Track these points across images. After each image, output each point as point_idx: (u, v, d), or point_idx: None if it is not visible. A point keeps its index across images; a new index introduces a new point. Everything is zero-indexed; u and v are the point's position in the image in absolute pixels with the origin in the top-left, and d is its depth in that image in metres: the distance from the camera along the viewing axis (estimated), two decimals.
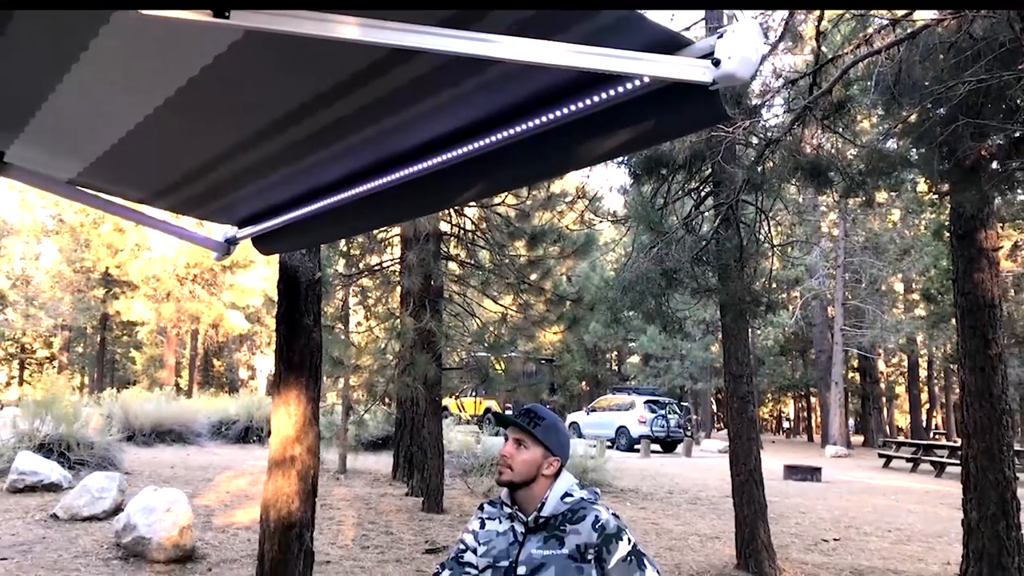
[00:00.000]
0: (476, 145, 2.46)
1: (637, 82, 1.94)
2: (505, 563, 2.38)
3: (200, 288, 35.48)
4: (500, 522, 2.47)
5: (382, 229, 9.30)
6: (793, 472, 15.97)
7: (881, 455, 22.33)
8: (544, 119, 2.23)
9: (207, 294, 35.74)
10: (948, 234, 7.04)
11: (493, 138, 2.42)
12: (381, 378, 9.02)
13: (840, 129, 5.37)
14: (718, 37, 1.69)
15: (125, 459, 11.05)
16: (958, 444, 17.91)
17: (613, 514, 2.34)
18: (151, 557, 6.02)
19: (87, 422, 11.65)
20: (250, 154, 2.81)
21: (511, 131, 2.32)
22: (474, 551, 2.47)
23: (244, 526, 7.68)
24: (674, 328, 6.88)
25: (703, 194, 6.58)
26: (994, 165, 5.90)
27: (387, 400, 11.57)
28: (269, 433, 16.28)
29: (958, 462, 10.75)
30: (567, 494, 2.35)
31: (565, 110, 2.16)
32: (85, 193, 3.50)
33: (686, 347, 31.51)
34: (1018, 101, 4.16)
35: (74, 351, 45.28)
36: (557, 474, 2.42)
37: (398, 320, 8.17)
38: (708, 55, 1.69)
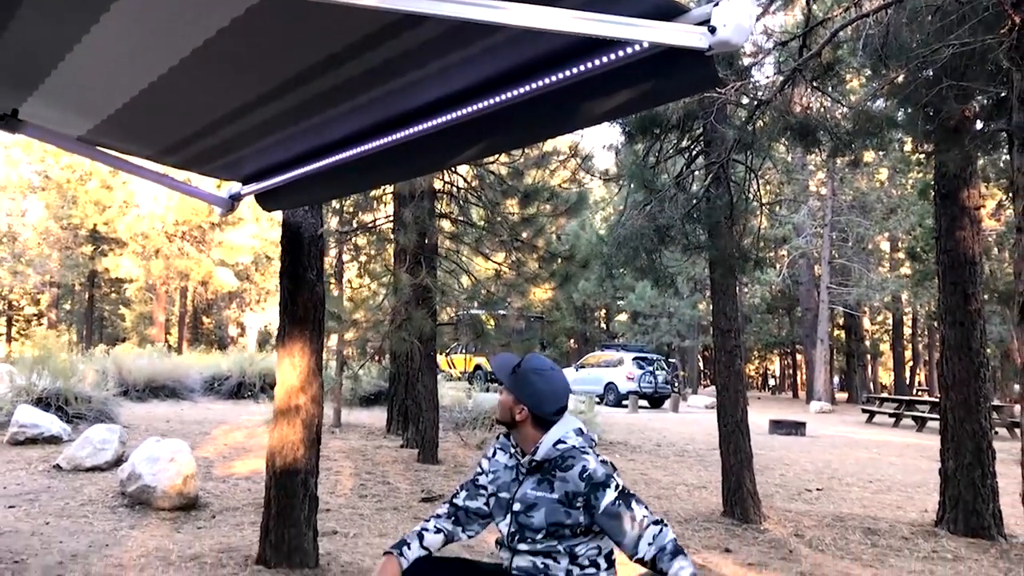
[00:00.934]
0: (481, 105, 2.56)
1: (636, 47, 2.04)
2: (506, 495, 2.58)
3: (189, 245, 35.37)
4: (510, 456, 2.65)
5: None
6: (778, 427, 16.31)
7: (864, 410, 22.79)
8: (546, 81, 2.33)
9: (196, 251, 35.65)
10: (932, 193, 7.20)
11: (497, 99, 2.52)
12: (375, 333, 9.17)
13: (829, 90, 5.48)
14: (714, 5, 1.78)
15: (122, 413, 11.19)
16: (939, 399, 18.28)
17: (602, 461, 2.50)
18: (156, 505, 6.20)
19: (83, 377, 11.80)
20: (258, 113, 2.90)
21: (514, 92, 2.43)
22: (486, 474, 2.67)
23: (244, 476, 7.88)
24: (666, 283, 7.04)
25: (694, 153, 6.71)
26: (977, 125, 6.05)
27: (380, 356, 11.74)
28: (263, 389, 16.38)
29: (939, 416, 11.05)
30: (560, 441, 2.51)
31: (566, 73, 2.26)
32: (95, 149, 3.59)
33: (674, 305, 31.82)
34: (1000, 64, 4.28)
35: (62, 308, 45.18)
36: (538, 420, 2.57)
37: (394, 276, 8.29)
38: (704, 22, 1.79)
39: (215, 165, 3.65)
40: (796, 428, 16.24)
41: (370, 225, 10.18)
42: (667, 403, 23.68)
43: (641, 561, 2.36)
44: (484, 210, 9.12)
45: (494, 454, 2.72)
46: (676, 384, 26.04)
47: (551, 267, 9.03)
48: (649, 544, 2.31)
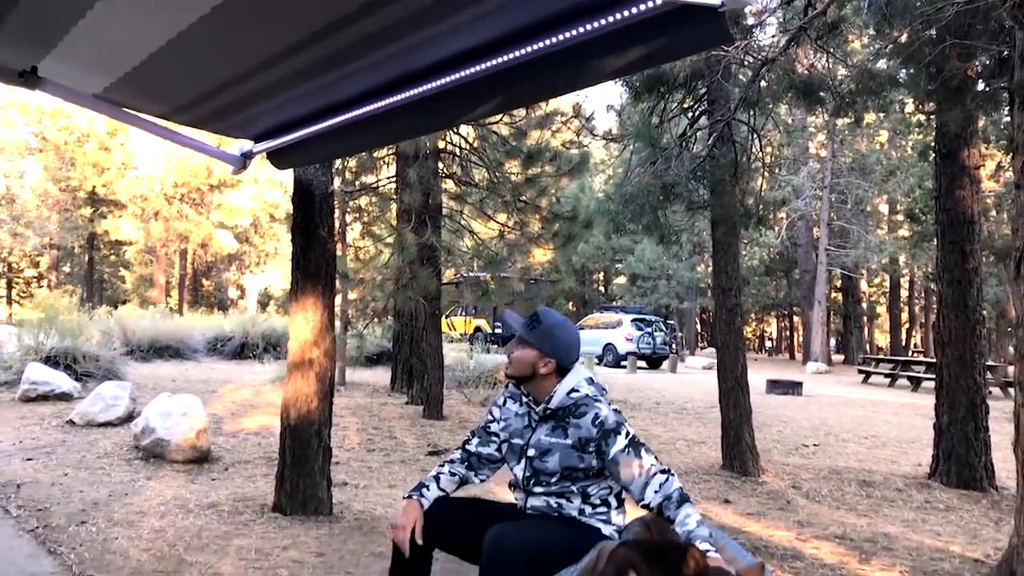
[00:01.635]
0: (495, 62, 2.62)
1: (649, 3, 2.12)
2: (519, 442, 2.71)
3: (188, 208, 35.32)
4: (520, 404, 2.79)
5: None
6: (775, 386, 16.52)
7: (861, 371, 23.03)
8: (561, 38, 2.40)
9: (195, 213, 35.61)
10: (933, 153, 7.27)
11: (512, 55, 2.58)
12: (381, 293, 9.28)
13: (832, 49, 5.52)
14: None
15: (128, 372, 11.34)
16: (935, 360, 18.48)
17: (614, 410, 2.64)
18: (170, 458, 6.36)
19: (89, 337, 11.93)
20: (273, 71, 2.95)
21: (529, 48, 2.50)
22: (498, 422, 2.80)
23: (253, 432, 8.04)
24: (670, 239, 7.13)
25: (698, 112, 6.75)
26: (979, 85, 6.10)
27: (383, 316, 11.85)
28: (266, 349, 16.49)
29: (934, 376, 11.22)
30: (574, 390, 2.66)
31: (581, 29, 2.33)
32: (109, 106, 3.65)
33: (673, 267, 31.93)
34: (1003, 23, 4.33)
35: (62, 271, 45.25)
36: (563, 372, 2.71)
37: (399, 236, 8.37)
38: None
39: (227, 123, 3.69)
40: (793, 388, 16.45)
41: (373, 186, 10.23)
42: (665, 364, 23.91)
43: (647, 507, 2.49)
44: (487, 171, 9.16)
45: (504, 403, 2.85)
46: (674, 345, 26.25)
47: (553, 228, 9.12)
48: (655, 492, 2.44)
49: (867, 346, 44.31)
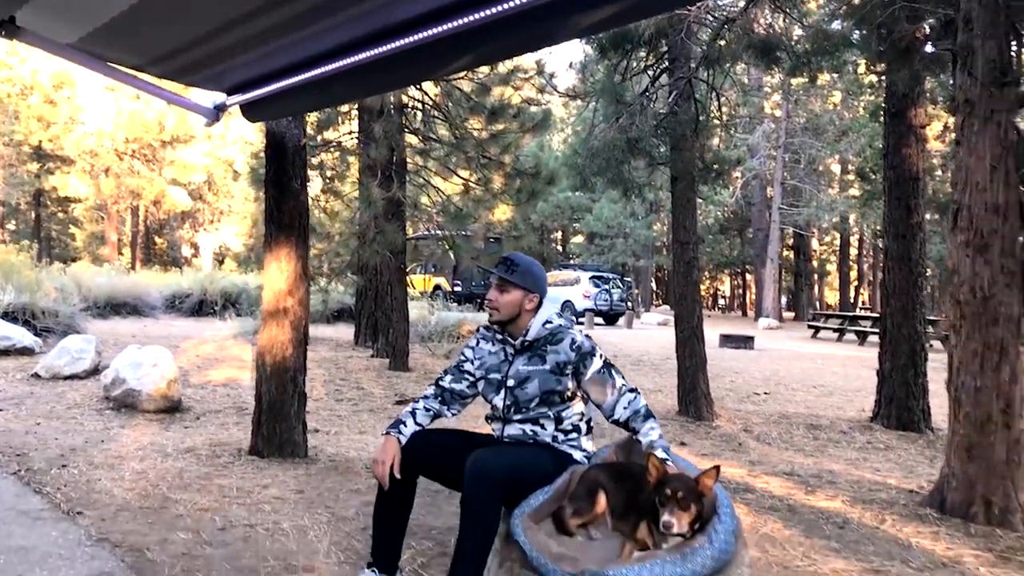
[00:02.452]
0: (471, 18, 2.75)
1: None
2: (497, 376, 2.93)
3: (140, 164, 34.54)
4: (493, 344, 3.00)
5: None
6: (728, 340, 17.00)
7: (810, 326, 23.73)
8: None
9: (148, 170, 34.85)
10: (883, 113, 7.56)
11: (487, 12, 2.71)
12: (344, 248, 9.36)
13: (789, 10, 5.72)
14: None
15: (88, 328, 11.30)
16: (880, 307, 19.08)
17: (586, 336, 2.89)
18: (141, 407, 6.46)
19: (47, 293, 11.81)
20: (251, 25, 3.01)
21: (503, 6, 2.63)
22: (471, 361, 3.01)
23: (220, 384, 8.15)
24: (634, 192, 7.35)
25: (660, 70, 6.93)
26: (928, 47, 6.37)
27: (344, 272, 11.93)
28: (224, 307, 16.42)
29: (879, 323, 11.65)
30: (548, 321, 2.90)
31: None
32: (84, 56, 3.69)
33: (630, 225, 32.29)
34: None
35: (7, 228, 44.00)
36: (538, 306, 2.93)
37: (366, 191, 8.43)
38: None
39: (201, 75, 3.73)
40: (745, 342, 16.96)
41: (336, 141, 10.24)
42: (622, 320, 24.35)
43: (616, 422, 2.79)
44: (451, 127, 9.24)
45: (477, 343, 3.06)
46: (630, 302, 26.70)
47: (516, 184, 9.26)
48: (625, 408, 2.78)
49: (817, 303, 45.43)
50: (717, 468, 2.48)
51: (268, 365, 4.94)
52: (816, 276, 44.19)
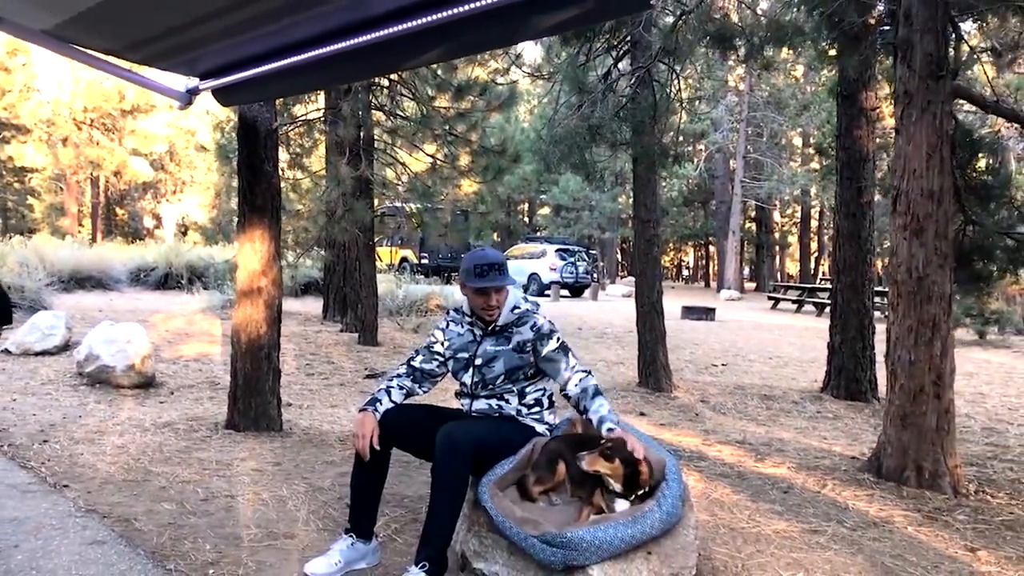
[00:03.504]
0: (442, 15, 2.91)
1: None
2: (465, 355, 3.16)
3: (100, 134, 33.98)
4: (462, 327, 3.23)
5: None
6: (690, 312, 17.40)
7: (770, 298, 24.30)
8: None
9: (108, 140, 34.29)
10: (836, 95, 7.85)
11: (457, 9, 2.87)
12: (313, 225, 9.48)
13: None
14: None
15: (55, 303, 11.30)
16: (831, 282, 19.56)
17: (548, 321, 3.15)
18: (115, 383, 6.58)
19: (11, 268, 11.76)
20: (225, 17, 3.15)
21: (473, 5, 2.79)
22: (441, 343, 3.23)
23: (192, 359, 8.29)
24: (595, 177, 7.58)
25: (621, 53, 7.12)
26: (878, 32, 6.63)
27: (312, 247, 12.04)
28: (190, 280, 16.34)
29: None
30: (515, 307, 3.14)
31: None
32: (57, 42, 3.77)
33: (596, 198, 32.55)
34: None
35: None
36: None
37: (335, 168, 8.54)
38: None
39: (174, 61, 3.83)
40: (706, 313, 17.36)
41: (303, 118, 10.30)
42: (587, 292, 24.70)
43: (567, 398, 3.06)
44: (418, 104, 9.35)
45: (447, 326, 3.28)
46: (595, 274, 27.04)
47: (483, 161, 9.42)
48: (576, 385, 3.02)
49: (778, 274, 46.28)
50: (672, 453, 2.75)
51: (243, 343, 5.11)
52: (777, 248, 44.97)
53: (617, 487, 2.72)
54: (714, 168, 33.93)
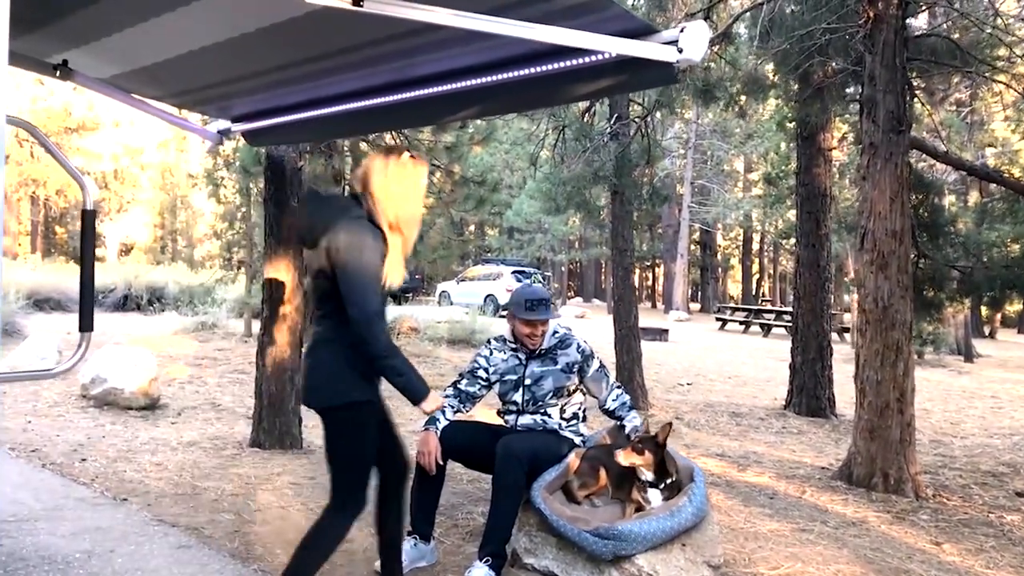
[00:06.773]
0: (477, 81, 3.21)
1: (605, 55, 2.76)
2: (513, 377, 3.62)
3: (43, 151, 33.30)
4: (505, 353, 3.68)
5: None
6: (644, 332, 17.69)
7: (718, 319, 25.20)
8: (539, 69, 2.97)
9: (51, 158, 33.58)
10: (796, 136, 8.55)
11: (493, 77, 3.14)
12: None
13: (724, 57, 6.59)
14: (680, 31, 2.57)
15: (25, 326, 11.33)
16: (783, 309, 20.47)
17: (586, 341, 3.63)
18: (123, 405, 6.81)
19: None
20: (268, 76, 3.45)
21: (509, 74, 3.09)
22: (485, 369, 3.67)
23: (186, 381, 8.51)
24: (595, 214, 8.14)
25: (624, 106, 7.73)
26: (835, 83, 7.33)
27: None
28: (150, 302, 16.24)
29: (783, 324, 12.57)
30: (555, 332, 3.60)
31: (560, 64, 2.99)
32: (112, 88, 4.08)
33: (548, 221, 33.17)
34: (857, 47, 5.46)
35: None
36: None
37: None
38: (673, 42, 2.45)
39: (213, 106, 4.16)
40: (660, 334, 17.98)
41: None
42: None
43: (607, 411, 3.64)
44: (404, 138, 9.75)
45: (491, 353, 3.72)
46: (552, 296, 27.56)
47: (465, 191, 9.87)
48: (614, 400, 3.62)
49: (721, 295, 47.59)
50: (670, 424, 3.32)
51: (268, 366, 5.45)
52: (721, 270, 46.30)
53: (649, 476, 3.21)
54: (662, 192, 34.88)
